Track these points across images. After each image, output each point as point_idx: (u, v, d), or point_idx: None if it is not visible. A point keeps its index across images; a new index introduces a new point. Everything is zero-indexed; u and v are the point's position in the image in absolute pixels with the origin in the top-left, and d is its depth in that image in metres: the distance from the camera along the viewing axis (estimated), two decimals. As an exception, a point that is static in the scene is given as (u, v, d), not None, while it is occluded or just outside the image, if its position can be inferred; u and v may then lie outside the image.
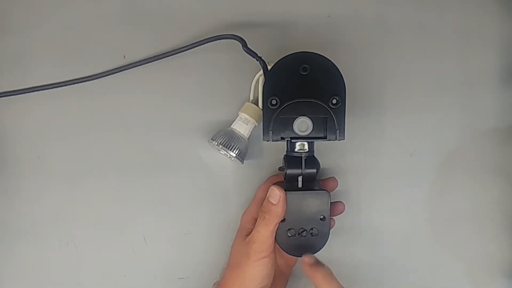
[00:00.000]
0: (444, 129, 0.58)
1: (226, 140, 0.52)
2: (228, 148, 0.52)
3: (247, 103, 0.55)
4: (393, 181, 0.58)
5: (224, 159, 0.56)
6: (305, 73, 0.48)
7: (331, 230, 0.50)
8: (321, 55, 0.48)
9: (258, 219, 0.49)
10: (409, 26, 0.57)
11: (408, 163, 0.58)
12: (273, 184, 0.50)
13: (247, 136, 0.54)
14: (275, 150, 0.56)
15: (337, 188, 0.55)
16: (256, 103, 0.54)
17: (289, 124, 0.48)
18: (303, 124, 0.47)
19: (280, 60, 0.48)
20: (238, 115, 0.54)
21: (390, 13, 0.57)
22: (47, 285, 0.57)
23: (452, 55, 0.58)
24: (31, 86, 0.55)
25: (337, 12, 0.57)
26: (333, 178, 0.55)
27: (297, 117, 0.47)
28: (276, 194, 0.48)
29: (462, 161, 0.58)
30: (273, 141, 0.48)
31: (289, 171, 0.50)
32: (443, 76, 0.58)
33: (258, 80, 0.54)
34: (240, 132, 0.53)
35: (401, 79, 0.57)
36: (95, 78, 0.55)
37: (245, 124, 0.53)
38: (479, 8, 0.57)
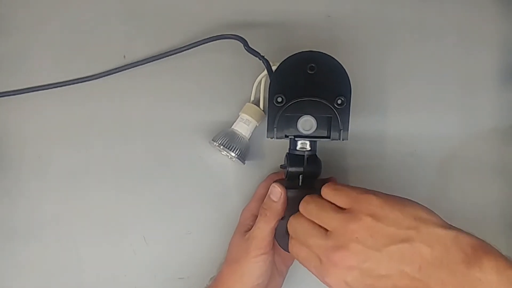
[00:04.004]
0: (444, 129, 0.58)
1: (227, 141, 0.52)
2: (229, 149, 0.52)
3: (248, 103, 0.55)
4: (393, 181, 0.58)
5: (225, 159, 0.56)
6: (312, 72, 0.48)
7: None
8: (328, 55, 0.48)
9: (259, 216, 0.50)
10: (409, 26, 0.57)
11: (408, 163, 0.58)
12: (274, 181, 0.50)
13: (248, 137, 0.54)
14: (276, 150, 0.56)
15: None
16: (257, 104, 0.55)
17: (293, 122, 0.48)
18: (307, 123, 0.48)
19: (287, 58, 0.48)
20: (239, 115, 0.54)
21: (390, 13, 0.57)
22: (47, 285, 0.57)
23: (452, 55, 0.58)
24: (31, 86, 0.55)
25: (337, 12, 0.57)
26: (333, 178, 0.56)
27: (301, 116, 0.48)
28: (277, 191, 0.48)
29: (462, 161, 0.58)
30: (277, 138, 0.48)
31: (290, 169, 0.50)
32: (443, 76, 0.58)
33: (260, 81, 0.54)
34: (241, 133, 0.53)
35: (401, 79, 0.57)
36: (95, 78, 0.55)
37: (246, 125, 0.53)
38: (479, 8, 0.57)
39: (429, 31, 0.57)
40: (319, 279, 0.43)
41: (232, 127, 0.54)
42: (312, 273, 0.43)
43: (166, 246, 0.58)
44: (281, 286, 0.55)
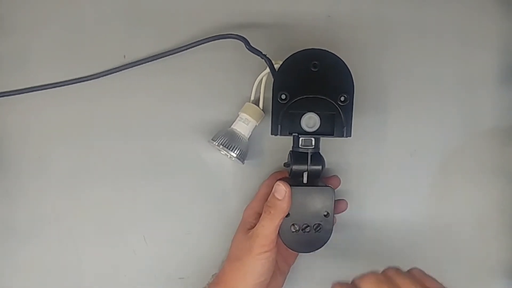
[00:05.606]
0: (444, 129, 0.58)
1: (227, 141, 0.52)
2: (229, 149, 0.52)
3: (247, 103, 0.55)
4: (393, 181, 0.58)
5: (225, 159, 0.56)
6: (315, 69, 0.48)
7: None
8: (331, 53, 0.48)
9: (263, 213, 0.50)
10: (409, 26, 0.57)
11: (408, 163, 0.58)
12: (278, 179, 0.51)
13: (248, 136, 0.54)
14: (276, 150, 0.56)
15: (339, 187, 0.56)
16: (257, 103, 0.55)
17: (297, 119, 0.48)
18: (310, 120, 0.48)
19: (291, 55, 0.49)
20: (238, 115, 0.54)
21: (390, 13, 0.57)
22: (47, 285, 0.57)
23: (452, 55, 0.58)
24: (31, 86, 0.55)
25: (337, 12, 0.57)
26: (336, 177, 0.56)
27: (305, 113, 0.48)
28: (282, 189, 0.49)
29: (462, 161, 0.58)
30: (281, 135, 0.49)
31: (295, 167, 0.50)
32: (443, 76, 0.58)
33: (261, 80, 0.54)
34: (240, 132, 0.53)
35: (401, 79, 0.57)
36: (95, 78, 0.55)
37: (245, 124, 0.53)
38: (479, 8, 0.57)
39: (429, 31, 0.57)
40: None
41: (232, 126, 0.54)
42: None
43: (166, 246, 0.58)
44: (282, 285, 0.55)
